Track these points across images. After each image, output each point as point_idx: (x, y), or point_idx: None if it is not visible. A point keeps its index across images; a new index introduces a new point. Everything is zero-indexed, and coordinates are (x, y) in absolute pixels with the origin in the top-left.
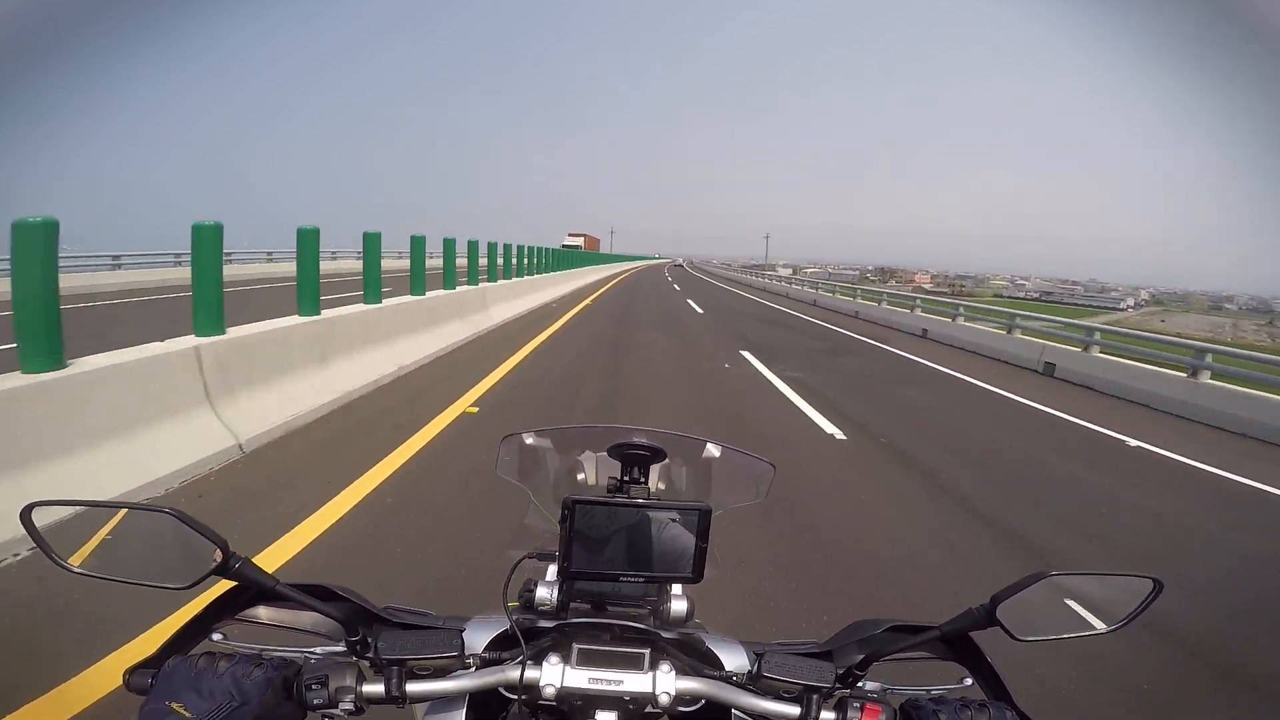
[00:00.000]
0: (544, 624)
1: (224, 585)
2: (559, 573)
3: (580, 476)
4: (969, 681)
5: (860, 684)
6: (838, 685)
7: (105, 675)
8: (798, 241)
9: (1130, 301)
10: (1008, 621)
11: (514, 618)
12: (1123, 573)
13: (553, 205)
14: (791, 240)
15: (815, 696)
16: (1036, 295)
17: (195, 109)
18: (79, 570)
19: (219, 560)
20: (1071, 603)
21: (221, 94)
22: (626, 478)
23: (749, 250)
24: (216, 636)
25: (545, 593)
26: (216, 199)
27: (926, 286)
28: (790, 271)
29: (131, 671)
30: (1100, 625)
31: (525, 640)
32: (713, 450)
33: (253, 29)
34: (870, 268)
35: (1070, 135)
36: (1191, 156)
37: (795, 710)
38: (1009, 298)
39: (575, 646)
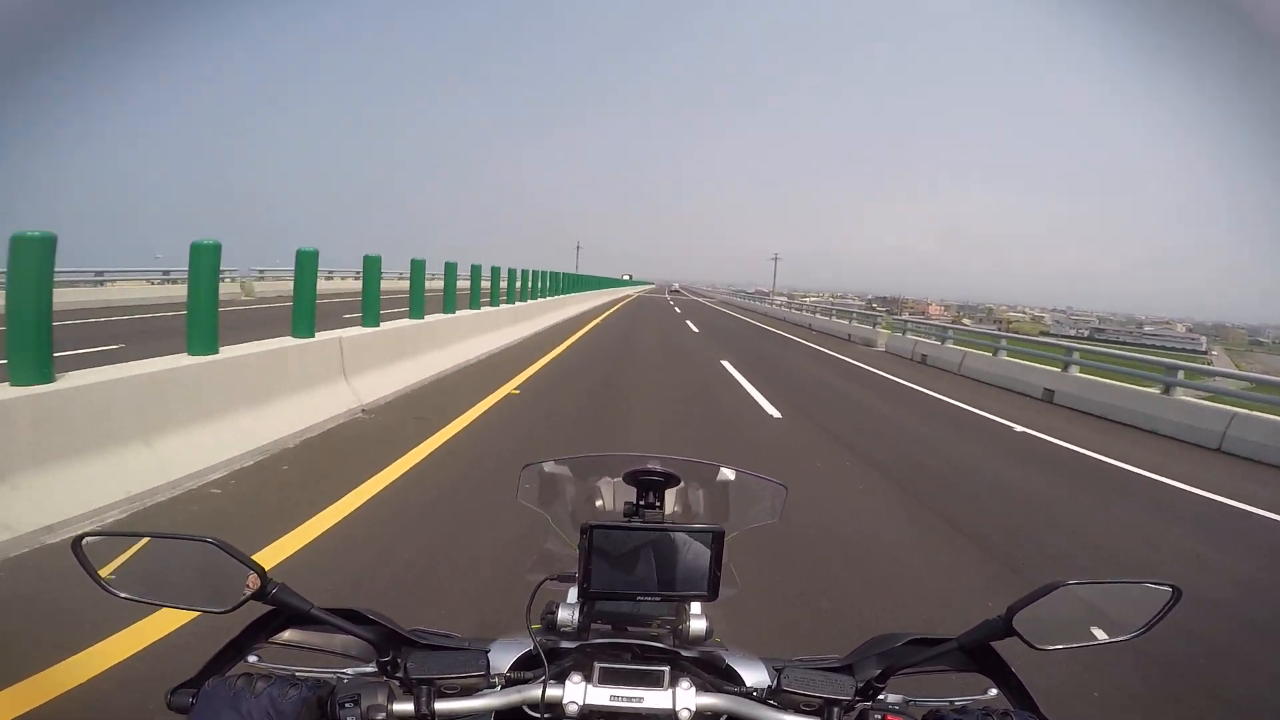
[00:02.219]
0: (566, 644)
1: (259, 609)
2: (579, 594)
3: (598, 502)
4: (994, 692)
5: (881, 697)
6: (858, 698)
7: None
8: (787, 269)
9: (1205, 342)
10: (1025, 631)
11: (537, 638)
12: (1140, 580)
13: (531, 220)
14: (782, 267)
15: (835, 710)
16: (1086, 332)
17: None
18: (124, 596)
19: (257, 586)
20: (1090, 611)
21: (191, 110)
22: (643, 502)
23: (747, 274)
24: (253, 658)
25: (567, 614)
26: (183, 210)
27: (967, 321)
28: (786, 299)
29: (173, 692)
30: (1119, 633)
31: (548, 660)
32: (726, 473)
33: (226, 46)
34: (869, 296)
35: (1045, 169)
36: (1155, 186)
37: None
38: (1060, 336)
39: (597, 665)
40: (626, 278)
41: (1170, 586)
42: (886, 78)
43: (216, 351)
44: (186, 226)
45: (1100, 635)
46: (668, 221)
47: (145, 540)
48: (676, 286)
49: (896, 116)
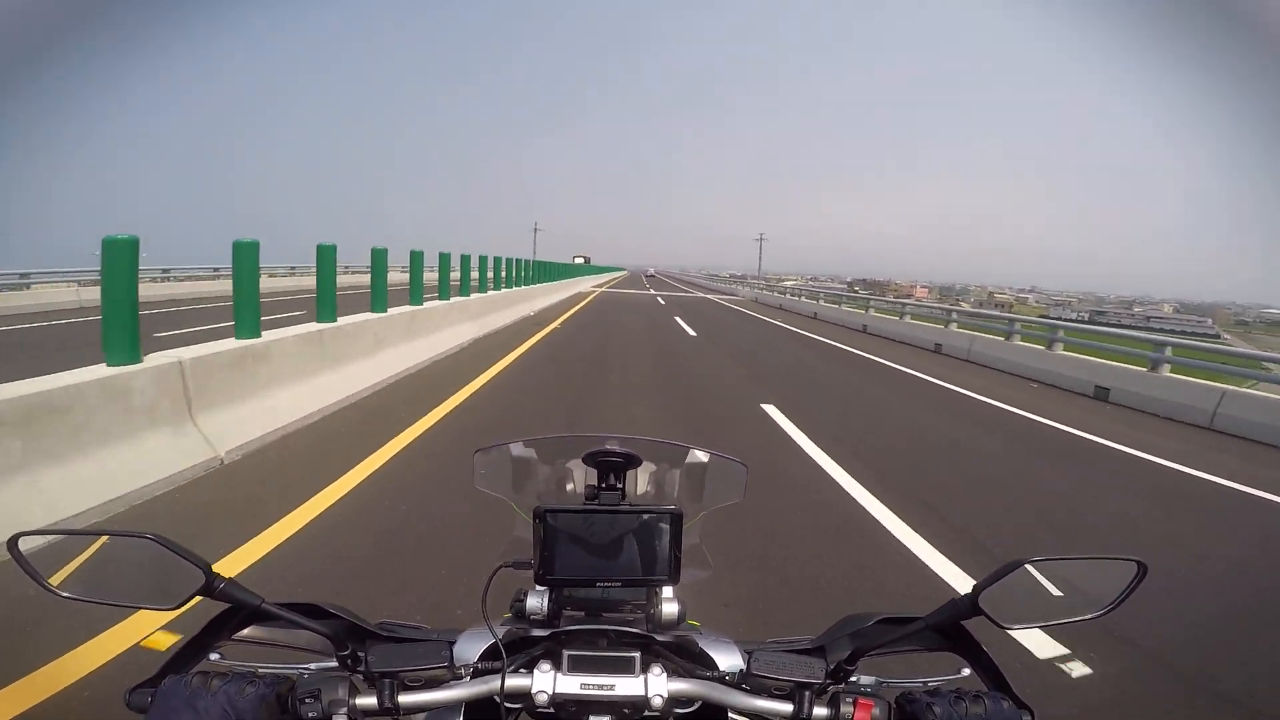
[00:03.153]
0: (536, 633)
1: (219, 606)
2: (536, 580)
3: (565, 482)
4: (967, 672)
5: (854, 679)
6: (829, 681)
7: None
8: (762, 251)
9: (1212, 324)
10: (992, 610)
11: (505, 628)
12: (1104, 556)
13: (493, 204)
14: (754, 251)
15: (807, 693)
16: (1085, 315)
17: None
18: (67, 595)
19: (202, 582)
20: (1056, 589)
21: (181, 102)
22: (604, 485)
23: (726, 258)
24: (214, 656)
25: (536, 601)
26: (164, 206)
27: (965, 305)
28: (764, 284)
29: (131, 691)
30: (1086, 610)
31: (518, 648)
32: (689, 453)
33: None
34: (848, 278)
35: (1006, 152)
36: (1120, 164)
37: (788, 708)
38: (1065, 319)
39: (565, 653)
40: (579, 261)
41: (1136, 561)
42: (859, 61)
43: (385, 311)
44: (175, 224)
45: (1066, 613)
46: (643, 209)
47: (88, 538)
48: (652, 271)
49: (866, 103)
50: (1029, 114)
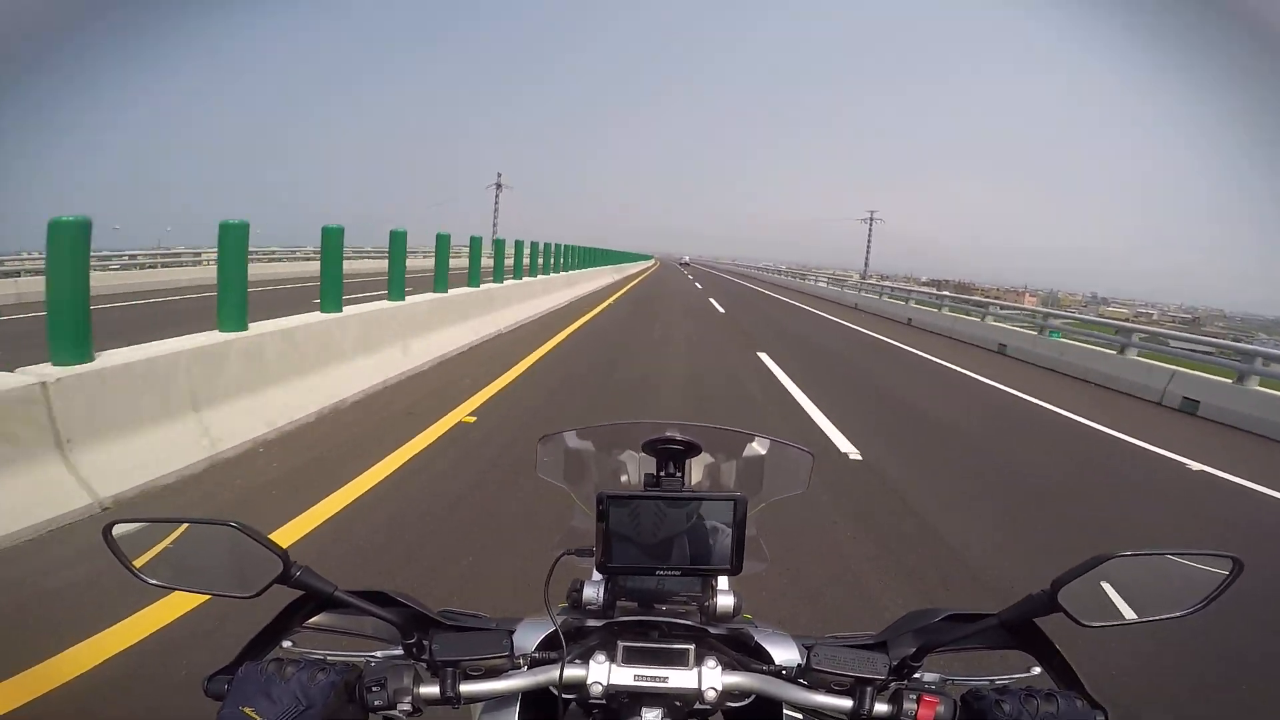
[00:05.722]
0: (592, 623)
1: (291, 595)
2: (597, 568)
3: (620, 473)
4: (1037, 670)
5: (917, 675)
6: (891, 677)
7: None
8: (794, 246)
9: None
10: (1071, 606)
11: (561, 618)
12: (1197, 551)
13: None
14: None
15: (868, 689)
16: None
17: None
18: (154, 582)
19: (280, 570)
20: (1141, 585)
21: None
22: (663, 473)
23: (769, 250)
24: (287, 644)
25: (592, 592)
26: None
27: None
28: (825, 282)
29: (209, 678)
30: (1173, 609)
31: (574, 639)
32: (751, 441)
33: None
34: (924, 279)
35: (1026, 144)
36: (1146, 164)
37: (848, 703)
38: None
39: (620, 644)
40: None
41: (1231, 558)
42: (899, 68)
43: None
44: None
45: (1152, 611)
46: (675, 197)
47: (172, 525)
48: (687, 259)
49: (903, 106)
50: (1075, 121)
